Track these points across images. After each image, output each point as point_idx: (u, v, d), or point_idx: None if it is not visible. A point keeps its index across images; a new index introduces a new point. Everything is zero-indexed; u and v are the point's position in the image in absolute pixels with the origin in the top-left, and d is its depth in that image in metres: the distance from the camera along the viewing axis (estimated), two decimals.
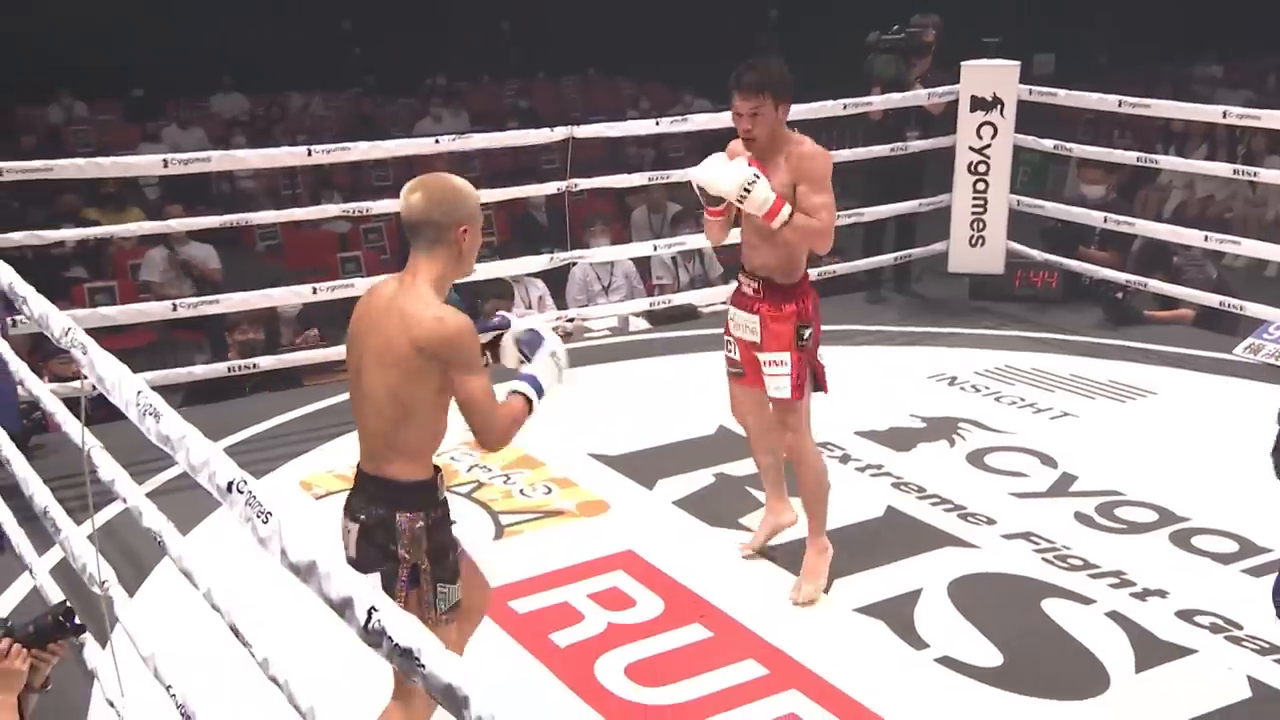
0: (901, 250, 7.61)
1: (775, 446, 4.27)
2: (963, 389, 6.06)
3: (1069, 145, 7.49)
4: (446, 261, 2.86)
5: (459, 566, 2.95)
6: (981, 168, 7.18)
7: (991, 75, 7.08)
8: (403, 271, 2.91)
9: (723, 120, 7.18)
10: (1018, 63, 7.14)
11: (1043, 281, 7.43)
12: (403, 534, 2.81)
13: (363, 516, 2.85)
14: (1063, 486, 4.96)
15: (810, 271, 4.08)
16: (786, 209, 3.79)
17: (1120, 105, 6.95)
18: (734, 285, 4.15)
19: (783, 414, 4.06)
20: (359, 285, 6.27)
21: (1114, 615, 3.97)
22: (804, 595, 4.08)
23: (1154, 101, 6.91)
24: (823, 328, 4.09)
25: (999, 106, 7.04)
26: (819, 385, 4.07)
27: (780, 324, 3.96)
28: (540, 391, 2.95)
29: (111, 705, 3.28)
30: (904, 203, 7.35)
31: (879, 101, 7.18)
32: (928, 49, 7.32)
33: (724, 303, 7.59)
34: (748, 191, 3.74)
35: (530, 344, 3.02)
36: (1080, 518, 4.67)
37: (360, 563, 2.79)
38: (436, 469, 2.93)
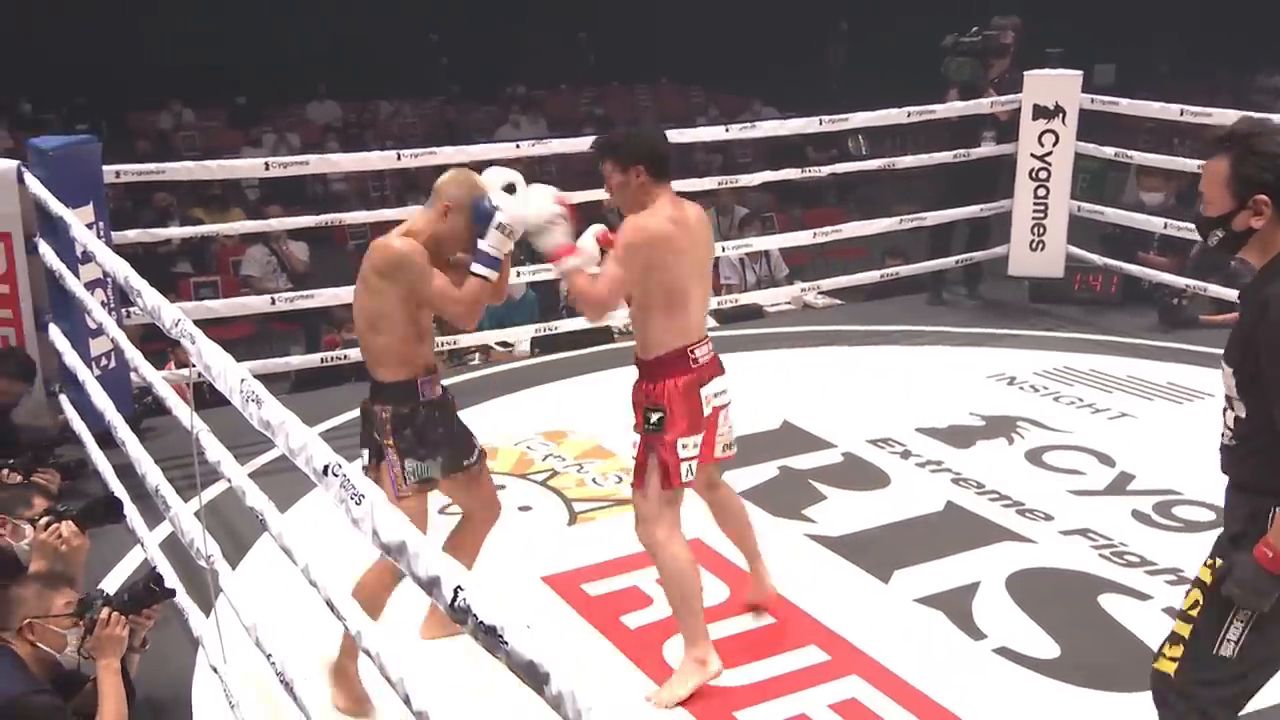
0: (973, 252, 7.63)
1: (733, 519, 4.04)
2: (1022, 389, 6.13)
3: (1130, 153, 7.50)
4: (433, 221, 3.43)
5: (439, 455, 3.50)
6: (1043, 174, 7.25)
7: (1054, 84, 7.16)
8: None
9: (790, 127, 7.35)
10: (1080, 72, 7.20)
11: (1102, 285, 7.49)
12: (377, 420, 3.43)
13: (361, 406, 3.52)
14: (1120, 485, 5.02)
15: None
16: (570, 260, 3.47)
17: (1182, 114, 6.94)
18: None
19: (633, 497, 3.68)
20: None
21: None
22: (655, 699, 3.62)
23: (1216, 110, 6.88)
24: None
25: (1061, 115, 7.11)
26: (667, 480, 3.55)
27: (635, 403, 3.63)
28: (492, 262, 3.39)
29: (215, 671, 3.42)
30: (966, 207, 7.40)
31: (942, 110, 7.25)
32: (1005, 50, 7.30)
33: (788, 302, 7.73)
34: (547, 226, 3.45)
35: (480, 220, 3.39)
36: (1137, 515, 4.71)
37: (362, 441, 3.50)
38: (427, 372, 3.47)
